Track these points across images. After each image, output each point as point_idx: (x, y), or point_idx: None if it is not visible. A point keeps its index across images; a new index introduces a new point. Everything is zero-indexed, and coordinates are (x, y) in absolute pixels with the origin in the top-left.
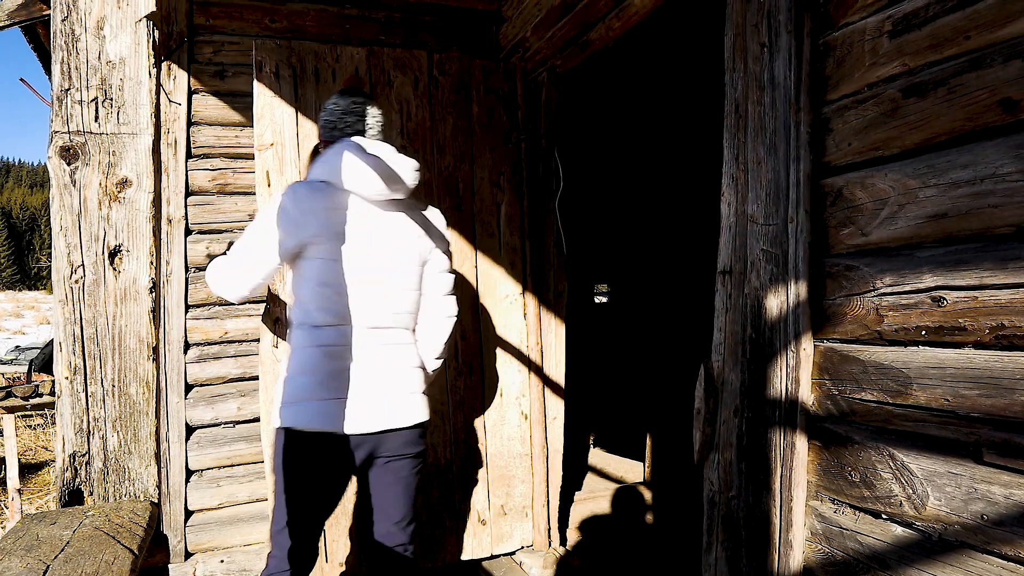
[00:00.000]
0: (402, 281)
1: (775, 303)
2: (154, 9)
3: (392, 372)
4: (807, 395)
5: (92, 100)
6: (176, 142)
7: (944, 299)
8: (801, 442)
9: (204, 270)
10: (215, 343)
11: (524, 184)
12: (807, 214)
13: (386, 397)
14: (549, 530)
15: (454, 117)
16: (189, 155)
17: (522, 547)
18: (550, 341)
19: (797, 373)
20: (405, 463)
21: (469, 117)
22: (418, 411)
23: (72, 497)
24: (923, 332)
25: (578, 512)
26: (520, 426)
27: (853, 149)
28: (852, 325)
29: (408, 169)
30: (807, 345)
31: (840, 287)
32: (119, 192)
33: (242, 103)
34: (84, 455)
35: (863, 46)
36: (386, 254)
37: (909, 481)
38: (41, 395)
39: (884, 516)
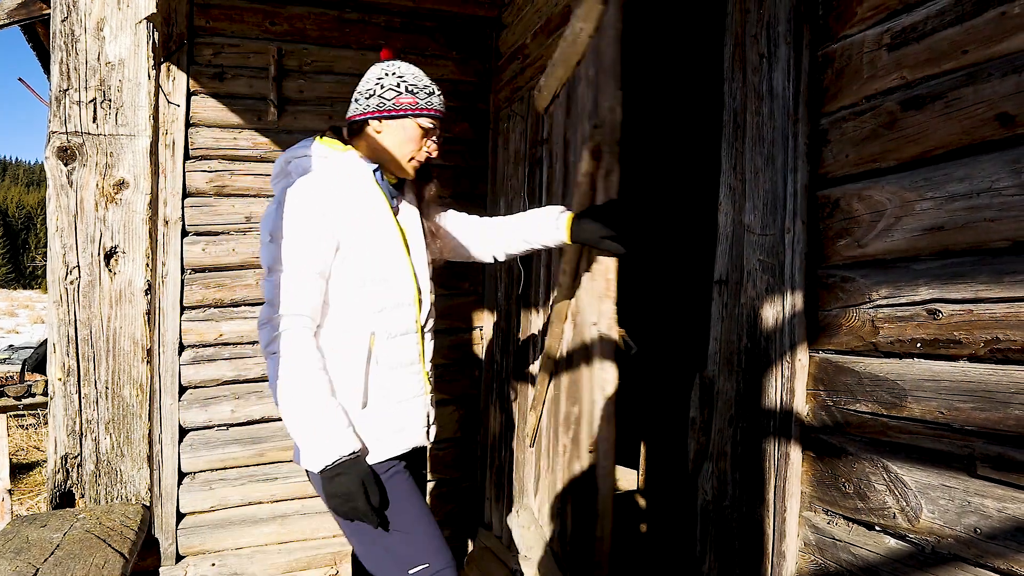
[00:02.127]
0: None
1: (771, 313)
2: (154, 11)
3: None
4: (802, 406)
5: (91, 101)
6: (174, 143)
7: (939, 312)
8: (795, 452)
9: (200, 271)
10: (210, 345)
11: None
12: (804, 225)
13: None
14: None
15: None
16: (187, 157)
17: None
18: None
19: (792, 384)
20: None
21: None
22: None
23: (63, 499)
24: (918, 344)
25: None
26: None
27: (851, 161)
28: (847, 336)
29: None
30: (802, 356)
31: (836, 298)
32: (116, 193)
33: (241, 105)
34: (76, 457)
35: (862, 58)
36: None
37: (903, 493)
38: (34, 395)
39: (877, 528)
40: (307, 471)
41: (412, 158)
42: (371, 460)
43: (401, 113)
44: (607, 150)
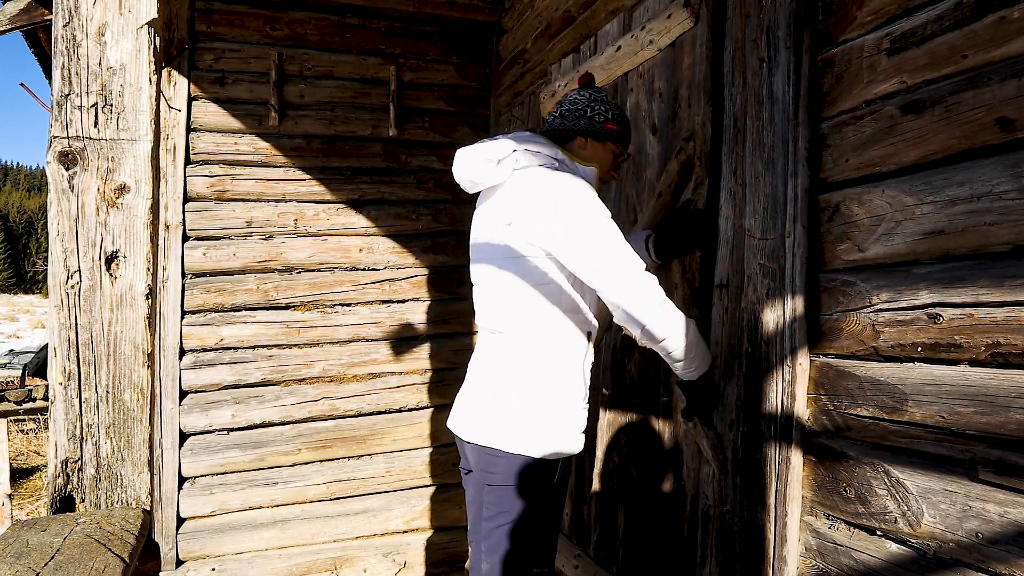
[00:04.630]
0: (495, 277)
1: (772, 317)
2: (155, 16)
3: (484, 377)
4: (803, 410)
5: (92, 106)
6: (175, 148)
7: (940, 316)
8: (796, 457)
9: (201, 276)
10: (210, 350)
11: None
12: (804, 229)
13: (469, 401)
14: None
15: None
16: (188, 161)
17: None
18: None
19: (793, 388)
20: (480, 482)
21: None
22: (483, 430)
23: (63, 504)
24: (919, 348)
25: None
26: None
27: (850, 165)
28: (848, 340)
29: (475, 156)
30: (803, 360)
31: (837, 302)
32: (117, 198)
33: (242, 110)
34: (76, 461)
35: (861, 63)
36: (476, 250)
37: (904, 498)
38: (34, 400)
39: (879, 533)
40: (515, 453)
41: (602, 177)
42: (574, 450)
43: (606, 136)
44: (699, 163)
